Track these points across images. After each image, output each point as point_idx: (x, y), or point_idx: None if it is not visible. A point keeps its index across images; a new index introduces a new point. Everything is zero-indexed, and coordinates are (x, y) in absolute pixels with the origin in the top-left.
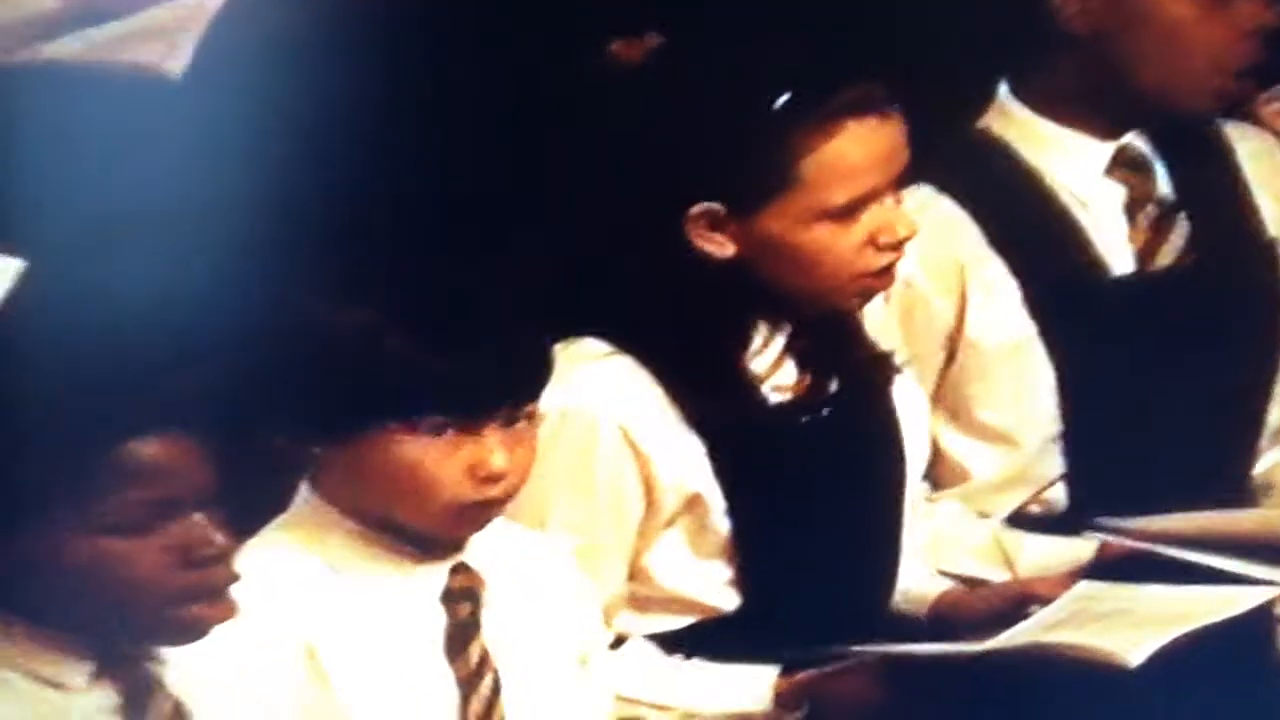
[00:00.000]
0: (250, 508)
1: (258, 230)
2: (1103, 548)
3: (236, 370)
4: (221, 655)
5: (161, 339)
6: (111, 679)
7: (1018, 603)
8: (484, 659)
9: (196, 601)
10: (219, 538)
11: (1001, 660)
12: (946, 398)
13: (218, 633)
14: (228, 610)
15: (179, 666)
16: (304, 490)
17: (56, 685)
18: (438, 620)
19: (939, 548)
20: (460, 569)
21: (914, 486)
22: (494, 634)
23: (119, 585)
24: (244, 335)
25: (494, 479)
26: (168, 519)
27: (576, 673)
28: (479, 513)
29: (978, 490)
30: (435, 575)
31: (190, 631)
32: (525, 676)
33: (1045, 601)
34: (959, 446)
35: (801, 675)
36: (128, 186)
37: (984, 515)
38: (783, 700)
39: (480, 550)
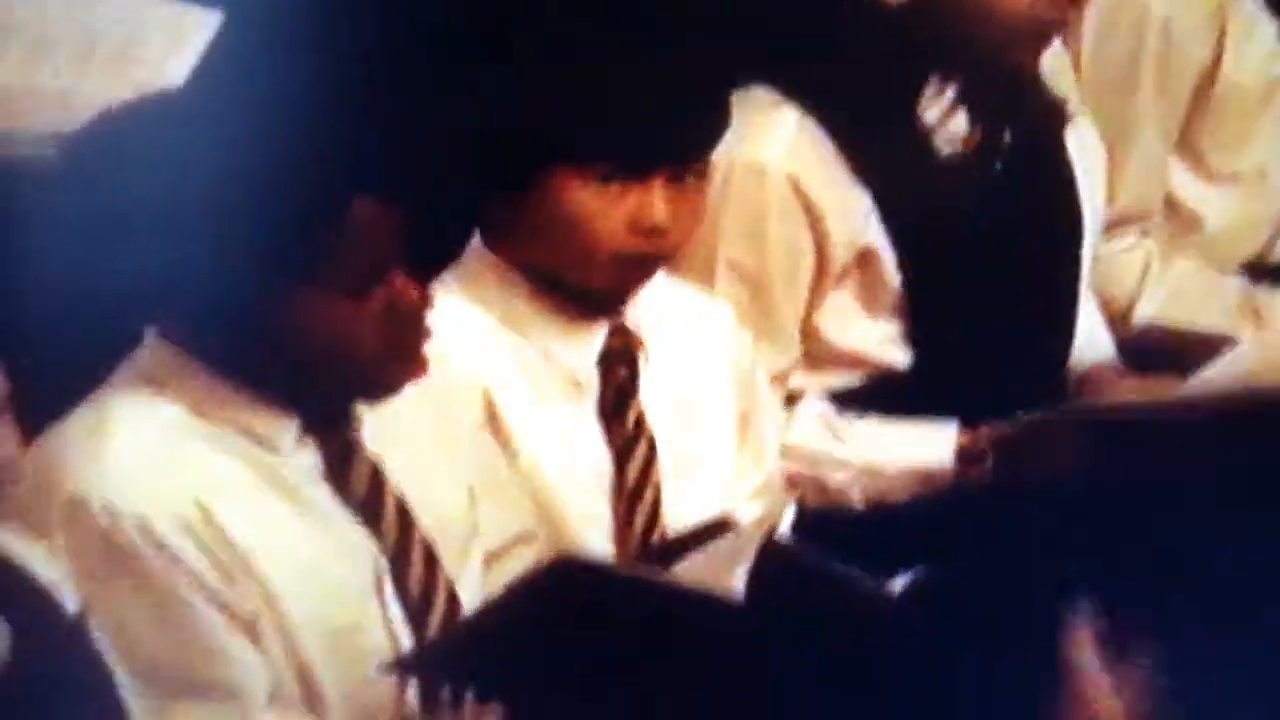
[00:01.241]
0: (428, 260)
1: None
2: None
3: (425, 121)
4: (410, 412)
5: (365, 99)
6: (314, 441)
7: None
8: (640, 424)
9: (396, 359)
10: (417, 297)
11: (1196, 409)
12: (1190, 143)
13: (407, 389)
14: (421, 367)
15: (373, 427)
16: (475, 243)
17: (267, 444)
18: (595, 383)
19: (1179, 303)
20: (618, 330)
21: (1092, 238)
22: (651, 398)
23: (330, 344)
24: (429, 86)
25: (655, 232)
26: (376, 279)
27: (736, 435)
28: (638, 268)
29: (1211, 240)
30: (595, 336)
31: (387, 388)
32: (683, 442)
33: None
34: (1195, 194)
35: (985, 429)
36: None
37: (1219, 269)
38: (965, 455)
39: (640, 311)
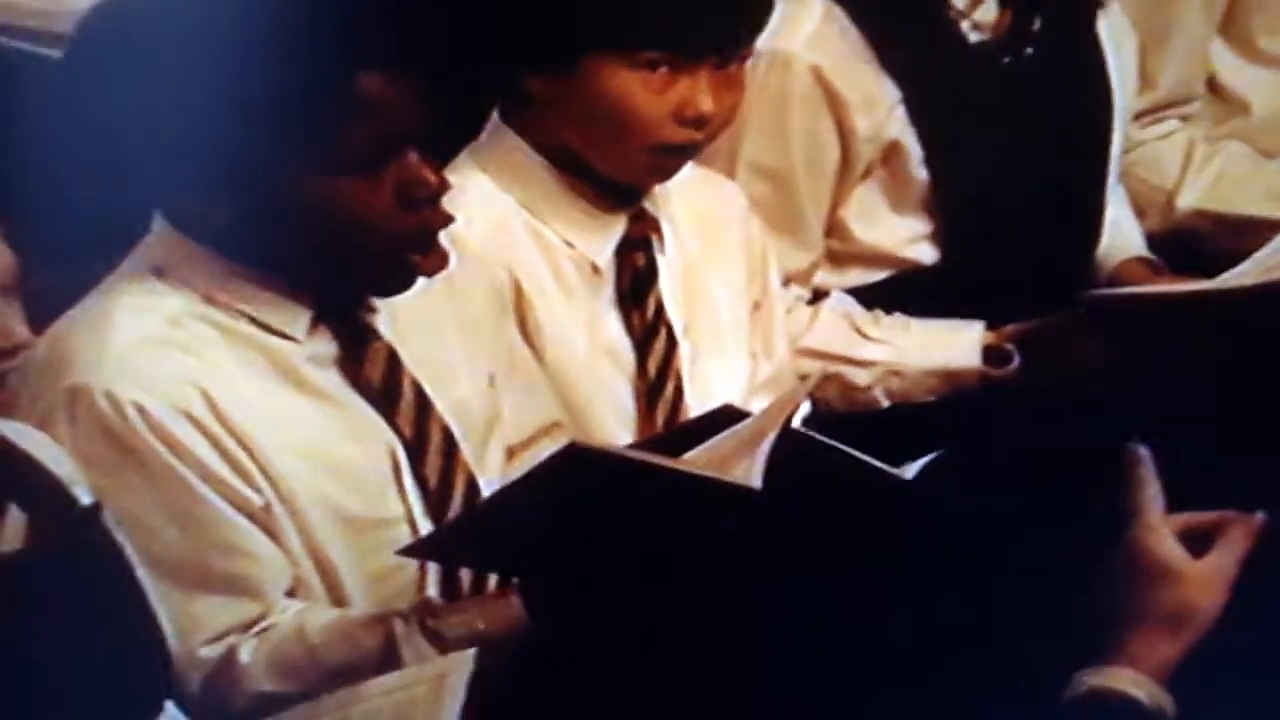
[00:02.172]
0: (444, 138)
1: None
2: None
3: None
4: (426, 296)
5: None
6: (329, 328)
7: None
8: (660, 312)
9: (413, 247)
10: (432, 178)
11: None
12: (1237, 25)
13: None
14: (440, 260)
15: (388, 312)
16: (494, 122)
17: (279, 333)
18: (613, 271)
19: (1221, 188)
20: (638, 216)
21: (1122, 128)
22: (669, 285)
23: (344, 229)
24: None
25: (700, 121)
26: (388, 158)
27: (749, 324)
28: (674, 157)
29: (1257, 125)
30: (616, 223)
31: (404, 279)
32: (699, 330)
33: None
34: (1241, 77)
35: (1011, 328)
36: None
37: (1264, 154)
38: (992, 355)
39: (659, 198)
